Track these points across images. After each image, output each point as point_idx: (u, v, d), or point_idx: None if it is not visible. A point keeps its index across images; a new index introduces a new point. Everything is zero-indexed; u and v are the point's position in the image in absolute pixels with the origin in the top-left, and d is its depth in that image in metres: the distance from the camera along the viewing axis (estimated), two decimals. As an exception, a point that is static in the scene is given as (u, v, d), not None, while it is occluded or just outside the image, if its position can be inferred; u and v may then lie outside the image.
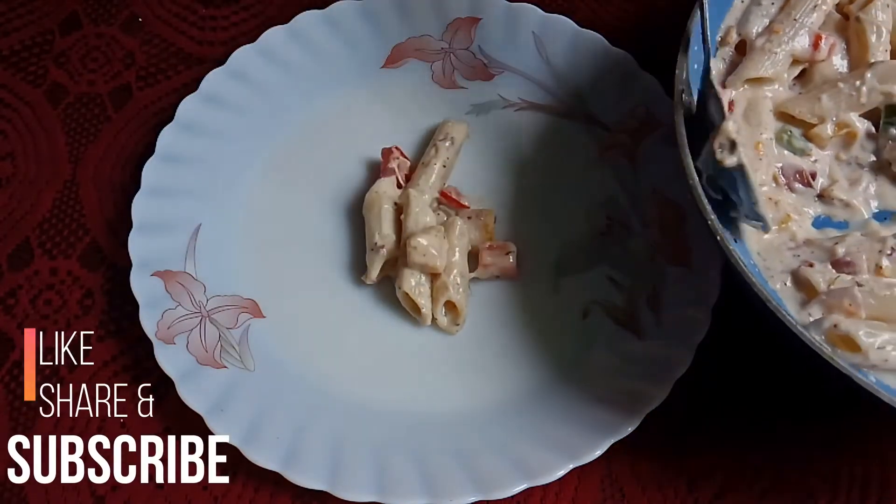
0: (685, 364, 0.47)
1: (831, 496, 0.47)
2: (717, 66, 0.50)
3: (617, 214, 0.54)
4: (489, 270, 0.52)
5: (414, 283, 0.50)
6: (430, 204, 0.53)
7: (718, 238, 0.41)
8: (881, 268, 0.44)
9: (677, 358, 0.48)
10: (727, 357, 0.50)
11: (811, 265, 0.45)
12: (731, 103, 0.49)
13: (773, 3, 0.51)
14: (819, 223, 0.48)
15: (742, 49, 0.50)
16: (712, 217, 0.41)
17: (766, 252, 0.46)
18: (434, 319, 0.51)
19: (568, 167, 0.56)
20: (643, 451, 0.48)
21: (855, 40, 0.50)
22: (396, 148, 0.56)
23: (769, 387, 0.50)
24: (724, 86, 0.49)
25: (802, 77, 0.51)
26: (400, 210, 0.53)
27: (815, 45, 0.50)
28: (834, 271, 0.44)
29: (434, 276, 0.51)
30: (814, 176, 0.49)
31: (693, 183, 0.42)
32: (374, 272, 0.51)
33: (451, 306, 0.51)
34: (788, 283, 0.45)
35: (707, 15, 0.46)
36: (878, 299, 0.43)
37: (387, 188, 0.54)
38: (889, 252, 0.44)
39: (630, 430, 0.46)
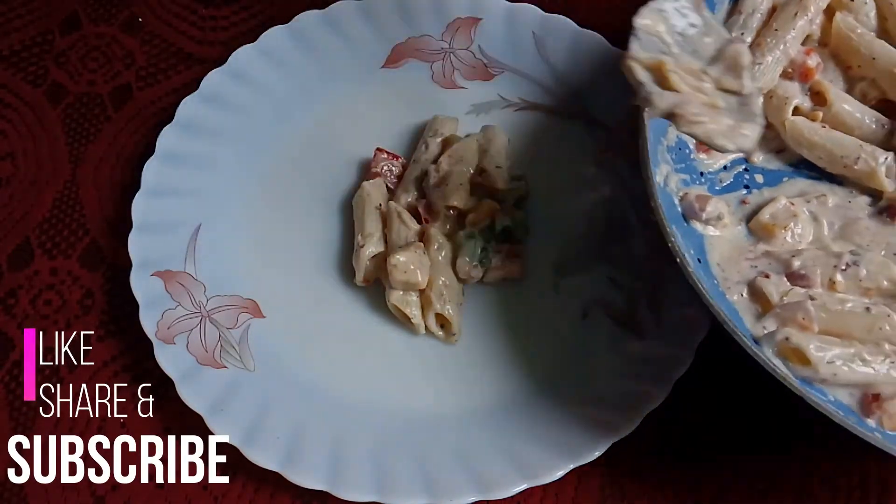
0: (685, 364, 0.47)
1: (831, 497, 0.47)
2: None
3: (617, 214, 0.54)
4: (496, 273, 0.52)
5: (401, 294, 0.50)
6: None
7: (679, 260, 0.42)
8: (834, 283, 0.45)
9: (677, 358, 0.48)
10: (727, 357, 0.50)
11: (767, 276, 0.45)
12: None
13: (742, 33, 0.51)
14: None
15: None
16: (673, 239, 0.42)
17: (725, 263, 0.47)
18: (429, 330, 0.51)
19: (568, 167, 0.56)
20: (643, 451, 0.48)
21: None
22: (380, 149, 0.55)
23: (769, 387, 0.50)
24: None
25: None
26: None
27: (807, 53, 0.51)
28: (788, 284, 0.45)
29: (421, 290, 0.51)
30: None
31: (656, 205, 0.43)
32: (360, 273, 0.51)
33: (442, 318, 0.51)
34: (745, 294, 0.45)
35: None
36: (830, 314, 0.43)
37: (371, 190, 0.54)
38: (843, 267, 0.45)
39: (630, 430, 0.46)
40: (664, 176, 0.48)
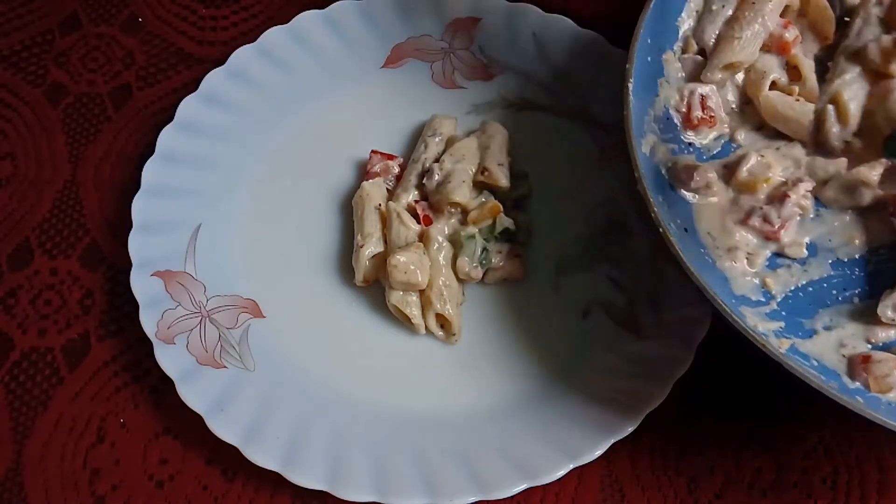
0: (685, 364, 0.47)
1: (831, 497, 0.47)
2: (686, 68, 0.51)
3: (617, 214, 0.54)
4: (497, 274, 0.52)
5: (401, 294, 0.50)
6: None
7: (661, 231, 0.42)
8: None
9: (677, 358, 0.48)
10: (727, 357, 0.50)
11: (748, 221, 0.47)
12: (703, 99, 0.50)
13: (723, 6, 0.51)
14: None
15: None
16: (656, 209, 0.42)
17: (715, 230, 0.47)
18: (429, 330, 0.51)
19: (568, 167, 0.56)
20: (643, 451, 0.48)
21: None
22: (375, 151, 0.56)
23: (769, 387, 0.50)
24: (699, 80, 0.51)
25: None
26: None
27: (785, 26, 0.51)
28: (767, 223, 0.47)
29: (421, 290, 0.51)
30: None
31: (639, 174, 0.43)
32: (359, 273, 0.51)
33: (442, 318, 0.51)
34: (737, 262, 0.46)
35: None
36: None
37: (371, 190, 0.54)
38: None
39: (630, 430, 0.46)
40: (651, 146, 0.48)
